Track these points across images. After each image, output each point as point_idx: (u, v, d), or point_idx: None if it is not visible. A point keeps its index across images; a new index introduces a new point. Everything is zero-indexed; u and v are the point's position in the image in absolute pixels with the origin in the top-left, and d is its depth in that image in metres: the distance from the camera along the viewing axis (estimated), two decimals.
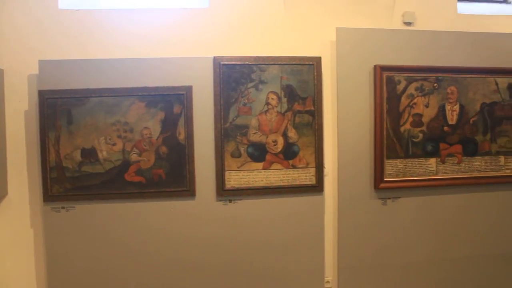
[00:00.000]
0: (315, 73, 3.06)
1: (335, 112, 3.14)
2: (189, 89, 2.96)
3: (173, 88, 2.94)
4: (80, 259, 2.95)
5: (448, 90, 3.16)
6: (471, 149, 3.22)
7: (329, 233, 3.24)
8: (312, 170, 3.09)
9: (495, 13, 3.60)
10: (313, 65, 3.06)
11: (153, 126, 2.93)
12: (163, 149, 2.95)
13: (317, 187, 3.11)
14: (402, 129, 3.10)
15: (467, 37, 3.27)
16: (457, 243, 3.31)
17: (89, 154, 2.89)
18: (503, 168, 3.29)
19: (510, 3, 3.79)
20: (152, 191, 2.95)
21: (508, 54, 3.28)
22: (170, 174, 2.96)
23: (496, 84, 3.24)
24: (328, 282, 3.27)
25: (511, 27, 3.40)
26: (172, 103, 2.94)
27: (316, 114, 3.07)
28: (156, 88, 2.92)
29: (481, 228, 3.33)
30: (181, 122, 2.96)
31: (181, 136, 2.96)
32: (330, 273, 3.26)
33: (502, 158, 3.29)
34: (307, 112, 3.07)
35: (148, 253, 3.00)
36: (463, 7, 3.57)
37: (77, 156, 2.88)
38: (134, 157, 2.92)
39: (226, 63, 2.98)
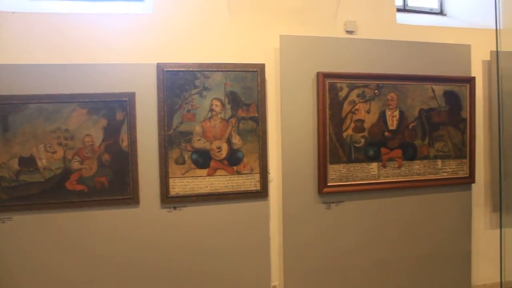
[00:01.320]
0: (259, 80, 3.31)
1: (279, 118, 3.39)
2: (132, 95, 3.13)
3: (115, 94, 3.09)
4: (17, 273, 3.03)
5: (388, 97, 3.50)
6: (410, 154, 3.56)
7: (275, 238, 3.47)
8: (257, 176, 3.33)
9: (432, 24, 3.98)
10: (257, 72, 3.31)
11: (95, 133, 3.08)
12: (106, 156, 3.10)
13: (262, 193, 3.35)
14: (344, 134, 3.40)
15: (405, 46, 3.62)
16: (398, 244, 3.61)
17: (28, 162, 3.00)
18: (440, 171, 3.66)
19: (446, 15, 4.22)
20: (94, 199, 3.08)
21: (444, 63, 3.64)
22: (113, 182, 3.11)
23: (433, 91, 3.61)
24: (274, 287, 3.50)
25: (447, 37, 3.78)
26: (115, 109, 3.10)
27: (260, 120, 3.31)
28: (98, 95, 3.06)
29: (420, 229, 3.65)
30: (124, 129, 3.12)
31: (124, 143, 3.12)
32: (276, 277, 3.49)
33: (439, 162, 3.65)
34: (251, 118, 3.31)
35: (92, 264, 3.11)
36: (402, 18, 3.93)
37: (14, 164, 2.98)
38: (75, 165, 3.06)
39: (170, 69, 3.17)
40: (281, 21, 3.42)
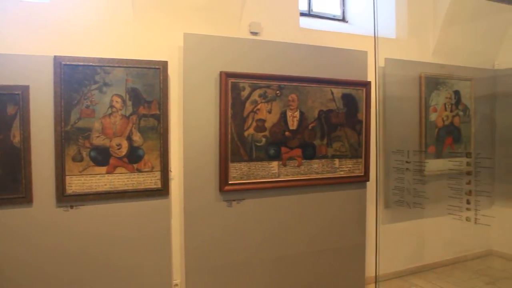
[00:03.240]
0: (161, 77, 3.61)
1: (181, 116, 3.68)
2: (25, 89, 3.25)
3: (6, 87, 3.18)
4: None
5: (290, 98, 3.97)
6: (310, 153, 4.06)
7: (176, 236, 3.77)
8: (158, 174, 3.64)
9: (334, 30, 4.55)
10: (160, 69, 3.60)
11: None
12: None
13: (163, 191, 3.65)
14: (246, 133, 3.81)
15: (308, 49, 4.11)
16: (298, 240, 4.06)
17: None
18: (337, 170, 4.22)
19: (347, 22, 4.85)
20: None
21: (343, 67, 4.18)
22: (3, 180, 3.17)
23: (332, 93, 4.16)
24: (176, 285, 3.81)
25: (347, 43, 4.35)
26: (6, 103, 3.21)
27: (161, 118, 3.62)
28: None
29: (318, 225, 4.16)
30: (16, 124, 3.23)
31: (16, 139, 3.25)
32: (178, 276, 3.80)
33: (337, 161, 4.21)
34: (152, 116, 3.60)
35: None
36: (305, 22, 4.44)
37: None
38: None
39: (68, 63, 3.33)
40: (186, 19, 3.72)
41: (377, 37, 3.33)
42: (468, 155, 4.47)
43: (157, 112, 3.40)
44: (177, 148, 3.28)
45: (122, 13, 3.42)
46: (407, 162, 4.22)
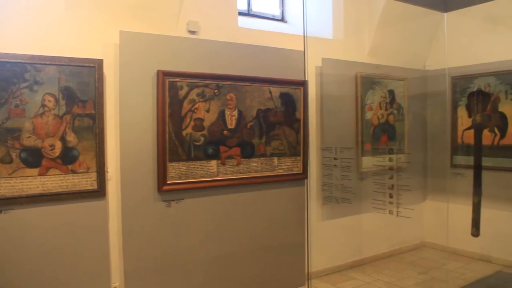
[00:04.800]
0: (96, 76, 3.56)
1: (117, 116, 3.67)
2: None
3: None
4: None
5: (228, 97, 4.05)
6: (248, 152, 4.15)
7: (114, 238, 3.74)
8: (94, 175, 3.60)
9: (273, 30, 4.67)
10: (95, 67, 3.55)
11: None
12: None
13: (99, 192, 3.60)
14: (184, 133, 3.84)
15: (246, 49, 4.19)
16: (238, 239, 4.13)
17: None
18: (276, 168, 4.34)
19: (286, 22, 5.00)
20: None
21: (281, 66, 4.30)
22: None
23: (270, 92, 4.28)
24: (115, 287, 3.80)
25: (285, 43, 4.48)
26: None
27: (97, 117, 3.57)
28: None
29: (258, 223, 4.25)
30: None
31: None
32: (117, 278, 3.76)
33: (275, 159, 4.33)
34: (87, 115, 3.55)
35: None
36: (244, 22, 4.53)
37: None
38: None
39: None
40: (122, 16, 3.68)
41: (307, 36, 3.47)
42: (390, 151, 4.74)
43: (92, 111, 3.38)
44: (114, 148, 3.26)
45: (54, 8, 3.36)
46: (334, 158, 4.41)
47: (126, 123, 3.48)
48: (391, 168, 4.50)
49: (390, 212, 4.26)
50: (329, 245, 4.70)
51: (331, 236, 4.40)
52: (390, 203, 4.34)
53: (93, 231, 3.46)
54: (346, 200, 4.39)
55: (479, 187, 3.50)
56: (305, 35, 3.41)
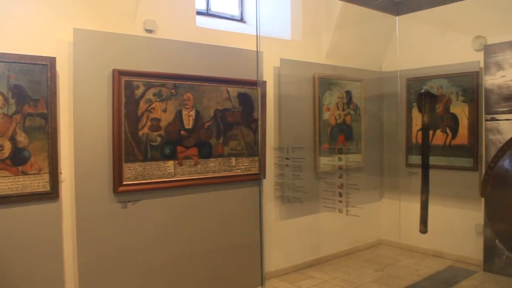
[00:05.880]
0: (49, 74, 3.47)
1: (71, 115, 3.61)
2: None
3: None
4: None
5: (185, 97, 4.05)
6: (206, 152, 4.16)
7: (68, 240, 3.66)
8: (46, 176, 3.51)
9: (231, 30, 4.70)
10: (47, 65, 3.46)
11: None
12: None
13: (52, 194, 3.50)
14: (140, 133, 3.81)
15: (204, 48, 4.19)
16: (196, 239, 4.12)
17: None
18: (234, 168, 4.37)
19: (245, 22, 5.04)
20: None
21: (239, 66, 4.33)
22: None
23: (228, 92, 4.31)
24: None
25: (244, 43, 4.52)
26: None
27: (49, 117, 3.49)
28: None
29: (216, 224, 4.27)
30: None
31: None
32: (71, 283, 3.70)
33: (233, 160, 4.37)
34: (39, 115, 3.46)
35: None
36: (203, 21, 4.53)
37: None
38: None
39: None
40: (76, 13, 3.58)
41: (259, 36, 3.52)
42: (339, 150, 4.87)
43: (45, 110, 3.31)
44: (68, 149, 3.20)
45: (4, 2, 3.25)
46: (286, 158, 4.50)
47: (81, 123, 3.43)
48: (340, 168, 4.62)
49: (340, 211, 4.38)
50: (288, 244, 4.77)
51: (290, 235, 4.46)
52: (340, 202, 4.46)
53: (46, 234, 3.39)
54: (297, 200, 4.47)
55: (427, 186, 3.66)
56: (258, 34, 3.47)
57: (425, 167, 3.62)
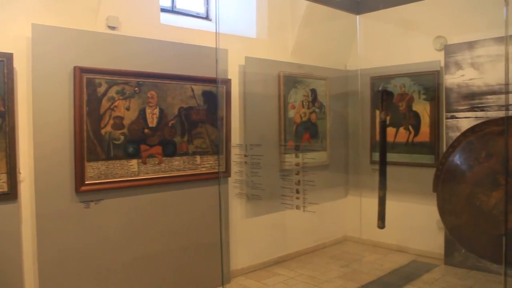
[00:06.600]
0: (6, 71, 3.36)
1: (30, 113, 3.53)
2: None
3: None
4: None
5: (149, 95, 4.01)
6: (170, 150, 4.14)
7: (28, 243, 3.56)
8: (4, 176, 3.41)
9: (196, 28, 4.69)
10: (3, 61, 3.35)
11: None
12: None
13: (10, 195, 3.39)
14: (103, 131, 3.76)
15: (168, 46, 4.17)
16: (161, 239, 4.09)
17: None
18: (199, 166, 4.37)
19: (211, 20, 5.03)
20: None
21: (204, 64, 4.31)
22: None
23: (192, 90, 4.30)
24: None
25: (210, 41, 4.47)
26: None
27: (7, 115, 3.39)
28: None
29: (181, 223, 4.25)
30: None
31: None
32: (31, 282, 3.62)
33: (198, 158, 4.36)
34: None
35: None
36: (167, 18, 4.50)
37: None
38: None
39: None
40: (36, 8, 3.46)
41: (218, 33, 3.53)
42: (296, 148, 4.94)
43: (2, 108, 3.23)
44: (27, 148, 3.13)
45: None
46: (245, 156, 4.53)
47: (40, 121, 3.37)
48: (297, 165, 4.69)
49: (297, 208, 4.45)
50: (255, 242, 4.81)
51: (257, 233, 4.49)
52: (297, 198, 4.52)
53: (4, 235, 3.31)
54: (256, 197, 4.50)
55: (384, 182, 3.75)
56: (217, 31, 3.47)
57: (383, 164, 3.71)
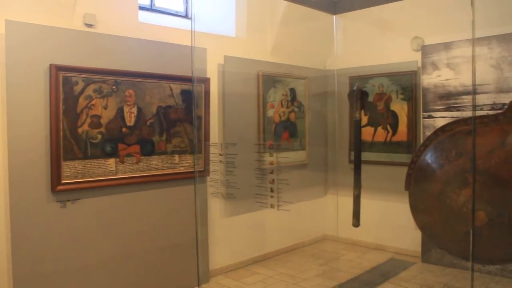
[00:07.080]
0: None
1: (4, 112, 3.43)
2: None
3: None
4: None
5: (127, 93, 4.00)
6: (148, 149, 4.13)
7: (2, 243, 3.53)
8: None
9: (175, 26, 4.68)
10: None
11: None
12: None
13: None
14: (80, 130, 3.73)
15: (146, 44, 4.15)
16: (139, 238, 4.08)
17: None
18: (177, 165, 4.37)
19: (190, 18, 5.03)
20: None
21: (182, 63, 4.29)
22: None
23: (171, 89, 4.29)
24: None
25: (189, 40, 4.50)
26: None
27: None
28: None
29: (159, 222, 4.24)
30: None
31: None
32: (5, 284, 3.61)
33: (176, 157, 4.36)
34: None
35: None
36: (145, 17, 4.48)
37: None
38: None
39: None
40: (9, 4, 3.40)
41: (194, 31, 3.54)
42: (271, 146, 4.99)
43: None
44: (1, 147, 3.10)
45: None
46: (220, 154, 4.55)
47: (15, 120, 3.33)
48: (271, 164, 4.73)
49: (272, 206, 4.49)
50: (234, 241, 4.83)
51: (236, 232, 4.52)
52: (271, 197, 4.56)
53: None
54: (231, 196, 4.53)
55: (359, 180, 3.81)
56: (193, 29, 3.51)
57: (358, 163, 3.77)
